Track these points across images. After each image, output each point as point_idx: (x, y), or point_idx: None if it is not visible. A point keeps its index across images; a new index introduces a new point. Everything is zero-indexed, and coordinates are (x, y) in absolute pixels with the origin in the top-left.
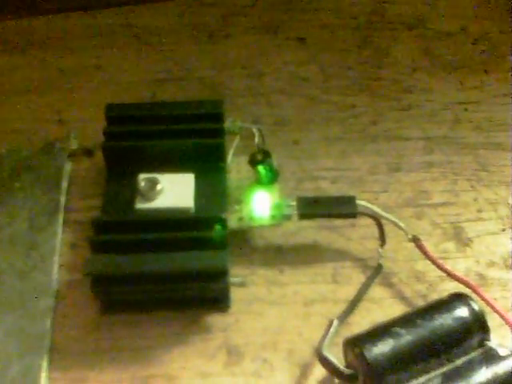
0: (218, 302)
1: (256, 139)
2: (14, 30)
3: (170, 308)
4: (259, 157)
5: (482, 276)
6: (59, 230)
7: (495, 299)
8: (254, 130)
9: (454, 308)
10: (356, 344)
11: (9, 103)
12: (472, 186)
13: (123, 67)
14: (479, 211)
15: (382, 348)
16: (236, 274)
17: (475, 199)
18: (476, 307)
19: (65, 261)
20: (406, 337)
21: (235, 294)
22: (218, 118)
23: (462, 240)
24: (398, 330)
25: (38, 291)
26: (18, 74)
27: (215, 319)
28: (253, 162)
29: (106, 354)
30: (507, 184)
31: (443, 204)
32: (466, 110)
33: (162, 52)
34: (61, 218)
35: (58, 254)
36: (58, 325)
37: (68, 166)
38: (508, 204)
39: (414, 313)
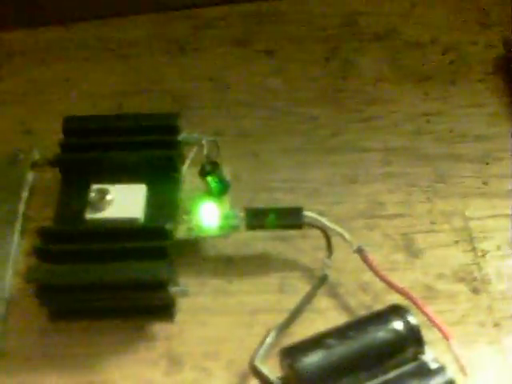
0: (163, 311)
1: (205, 151)
2: None
3: (116, 316)
4: (208, 168)
5: (429, 288)
6: (15, 238)
7: (441, 312)
8: (204, 142)
9: (389, 320)
10: (287, 354)
11: None
12: (427, 198)
13: (92, 79)
14: (432, 223)
15: (312, 359)
16: (184, 283)
17: (429, 211)
18: (411, 320)
19: (20, 268)
20: (338, 348)
21: (182, 303)
22: (173, 130)
23: (412, 251)
24: (329, 341)
25: None
26: None
27: (160, 328)
28: (202, 173)
29: (51, 360)
30: (465, 196)
31: (397, 215)
32: (428, 121)
33: (131, 64)
34: (18, 226)
35: (13, 261)
36: (9, 331)
37: (30, 176)
38: (464, 216)
39: (348, 324)
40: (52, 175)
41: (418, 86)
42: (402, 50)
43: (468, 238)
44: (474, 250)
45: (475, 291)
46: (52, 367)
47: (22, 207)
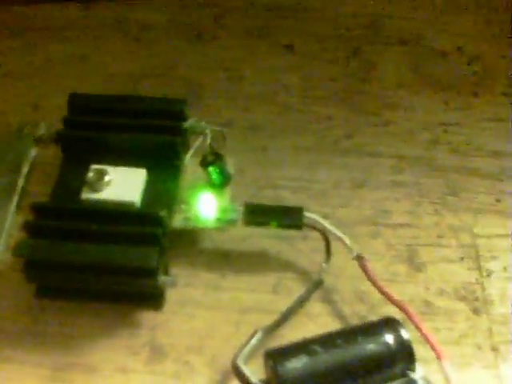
0: (152, 299)
1: (208, 140)
2: (8, 16)
3: (103, 300)
4: (210, 158)
5: (428, 304)
6: (11, 211)
7: (438, 330)
8: (207, 131)
9: (381, 333)
10: (270, 357)
11: None
12: (436, 210)
13: (108, 60)
14: (439, 237)
15: (295, 364)
16: (176, 274)
17: (437, 224)
18: (404, 334)
19: (13, 242)
20: (323, 356)
21: (171, 294)
22: (179, 116)
23: (414, 264)
24: (315, 347)
25: None
26: (7, 58)
27: (146, 316)
28: (203, 163)
29: (32, 337)
30: (475, 212)
31: (402, 225)
32: (445, 131)
33: (148, 48)
34: (15, 200)
35: (6, 235)
36: None
37: (33, 152)
38: (472, 232)
39: (338, 332)
40: (55, 152)
41: (439, 94)
42: (426, 57)
43: (474, 256)
44: (479, 268)
45: (476, 312)
46: (32, 345)
47: (21, 181)
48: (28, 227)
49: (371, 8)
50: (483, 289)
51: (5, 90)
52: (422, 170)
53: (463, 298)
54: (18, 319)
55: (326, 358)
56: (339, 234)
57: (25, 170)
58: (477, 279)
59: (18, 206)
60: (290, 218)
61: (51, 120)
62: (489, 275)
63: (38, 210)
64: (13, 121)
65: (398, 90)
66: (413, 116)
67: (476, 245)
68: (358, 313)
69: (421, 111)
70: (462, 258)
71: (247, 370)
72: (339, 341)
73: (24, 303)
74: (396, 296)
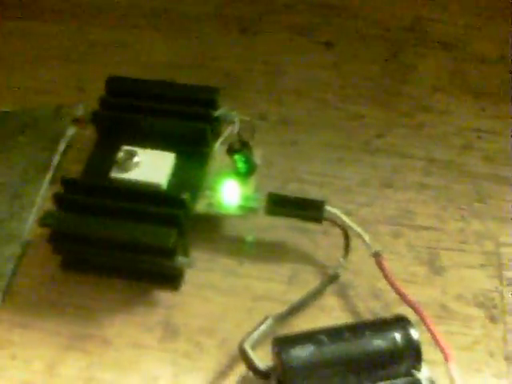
0: (170, 280)
1: (236, 129)
2: (56, 1)
3: (123, 277)
4: (236, 146)
5: (444, 307)
6: (45, 186)
7: (451, 334)
8: (236, 120)
9: (390, 330)
10: (277, 343)
11: (40, 66)
12: (462, 216)
13: (151, 48)
14: (462, 242)
15: (299, 352)
16: (196, 257)
17: (462, 229)
18: (412, 333)
19: None
20: (329, 346)
21: (189, 276)
22: (211, 104)
23: (434, 267)
24: (322, 337)
25: (10, 237)
26: (54, 41)
27: (163, 296)
28: (230, 151)
29: (53, 307)
30: (502, 220)
31: (426, 228)
32: (479, 138)
33: (191, 38)
34: (49, 175)
35: (38, 207)
36: (21, 272)
37: (71, 131)
38: (497, 240)
39: (347, 325)
40: (92, 132)
41: (476, 100)
42: (467, 63)
43: (496, 264)
44: (499, 277)
45: (492, 319)
46: (52, 314)
47: (56, 158)
48: (56, 199)
49: (415, 10)
50: (502, 297)
51: (51, 72)
52: (452, 175)
53: (481, 305)
54: (41, 288)
55: (331, 349)
56: (359, 230)
57: (61, 147)
58: (496, 287)
59: (52, 182)
60: (311, 210)
61: (92, 102)
62: (509, 284)
63: (68, 184)
64: (55, 101)
65: (434, 93)
66: (447, 120)
67: (499, 253)
68: (372, 310)
69: (456, 116)
70: (483, 265)
71: (253, 354)
72: (347, 334)
73: (49, 274)
74: (411, 296)
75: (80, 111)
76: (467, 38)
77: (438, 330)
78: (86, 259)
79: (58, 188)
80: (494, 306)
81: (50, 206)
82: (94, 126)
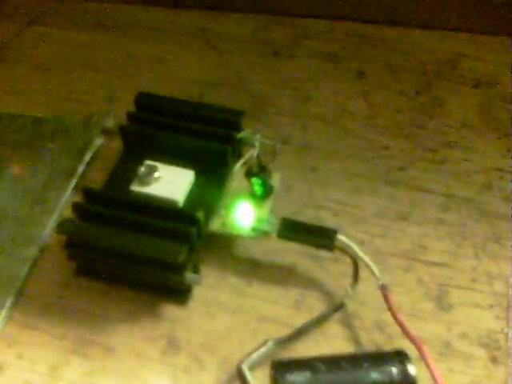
0: (177, 294)
1: (256, 152)
2: (97, 12)
3: (133, 288)
4: (254, 170)
5: (448, 345)
6: (67, 193)
7: (451, 371)
8: (256, 143)
9: (388, 363)
10: (274, 367)
11: (76, 75)
12: (476, 254)
13: (183, 65)
14: (473, 281)
15: (295, 377)
16: (205, 274)
17: (474, 268)
18: (410, 369)
19: None
20: (325, 375)
21: (198, 292)
22: (234, 126)
23: (442, 304)
24: (319, 365)
25: (28, 240)
26: (93, 51)
27: (169, 309)
28: (248, 174)
29: (62, 311)
30: None
31: (438, 264)
32: (501, 178)
33: (224, 58)
34: (73, 183)
35: (59, 213)
36: (35, 274)
37: (99, 141)
38: (508, 282)
39: (345, 355)
40: (119, 144)
41: (502, 140)
42: (496, 101)
43: (505, 305)
44: (506, 318)
45: (494, 361)
46: (60, 318)
47: (82, 167)
48: (75, 208)
49: (449, 45)
50: (507, 339)
51: (85, 81)
52: (470, 213)
53: (484, 345)
54: (53, 292)
55: (327, 378)
56: (368, 261)
57: (87, 156)
58: (502, 329)
59: (75, 189)
60: (323, 238)
61: (121, 114)
62: None
63: (88, 194)
64: (86, 110)
65: (461, 129)
66: (471, 157)
67: (509, 295)
68: (375, 341)
69: (480, 154)
70: (492, 306)
71: (250, 375)
72: (344, 364)
73: (63, 278)
74: (413, 331)
75: (109, 122)
76: (499, 76)
77: (439, 367)
78: (98, 268)
79: (79, 196)
80: (498, 348)
81: (69, 213)
82: (121, 139)
